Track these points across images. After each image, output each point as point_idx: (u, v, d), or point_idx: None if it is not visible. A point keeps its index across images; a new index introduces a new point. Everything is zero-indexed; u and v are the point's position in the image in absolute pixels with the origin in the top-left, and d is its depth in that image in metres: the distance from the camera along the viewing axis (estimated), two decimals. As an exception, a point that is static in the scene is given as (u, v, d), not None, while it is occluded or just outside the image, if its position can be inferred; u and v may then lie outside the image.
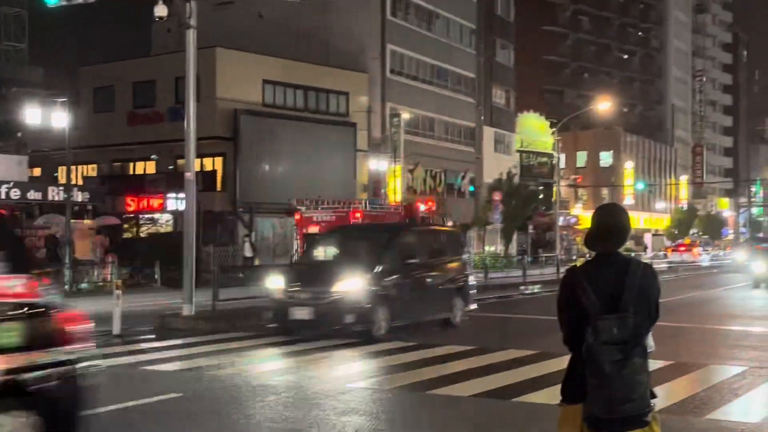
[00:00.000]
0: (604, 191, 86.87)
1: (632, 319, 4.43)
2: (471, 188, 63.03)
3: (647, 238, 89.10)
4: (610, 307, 4.47)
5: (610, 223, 4.70)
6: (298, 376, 11.90)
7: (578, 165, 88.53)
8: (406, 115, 54.15)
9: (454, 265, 18.53)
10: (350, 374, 12.24)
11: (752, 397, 10.53)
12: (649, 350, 4.54)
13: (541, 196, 68.52)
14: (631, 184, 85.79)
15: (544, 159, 74.16)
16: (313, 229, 30.90)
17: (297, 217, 31.54)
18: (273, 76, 47.78)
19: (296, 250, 31.55)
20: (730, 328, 18.72)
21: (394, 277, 16.39)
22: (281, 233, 47.52)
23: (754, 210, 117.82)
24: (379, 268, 16.20)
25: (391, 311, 16.06)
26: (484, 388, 10.90)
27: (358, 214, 30.81)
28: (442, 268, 18.15)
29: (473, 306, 19.25)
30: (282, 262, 44.85)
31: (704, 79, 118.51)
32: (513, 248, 62.12)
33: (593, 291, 4.52)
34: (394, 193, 50.50)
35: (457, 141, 61.72)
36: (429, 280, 17.53)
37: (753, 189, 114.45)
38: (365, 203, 32.79)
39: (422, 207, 35.32)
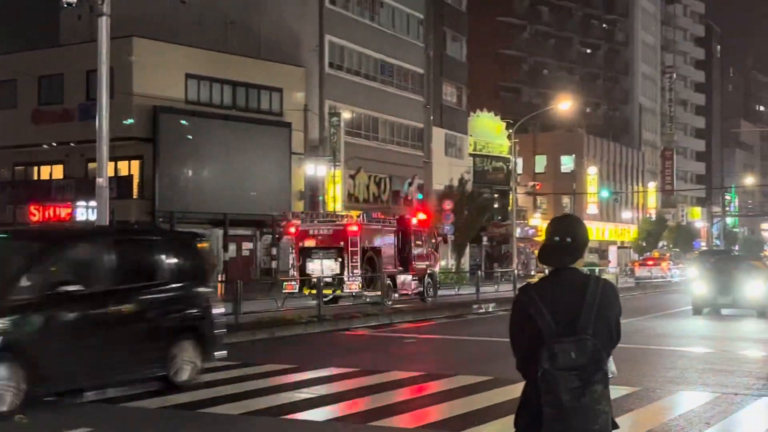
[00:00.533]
0: (566, 199, 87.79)
1: (591, 342, 4.45)
2: (419, 196, 63.20)
3: (612, 252, 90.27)
4: (568, 329, 4.48)
5: (566, 236, 4.72)
6: None
7: (537, 170, 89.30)
8: (346, 115, 54.10)
9: (178, 293, 13.74)
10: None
11: (727, 427, 10.65)
12: (610, 376, 4.56)
13: (496, 205, 69.05)
14: (594, 192, 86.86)
15: (500, 163, 74.70)
16: (309, 243, 32.83)
17: (293, 230, 33.29)
18: (197, 70, 47.45)
19: (292, 265, 33.04)
20: (695, 350, 19.00)
21: (37, 313, 11.49)
22: (207, 247, 46.99)
23: (729, 220, 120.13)
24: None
25: (29, 371, 11.14)
26: (431, 418, 10.91)
27: (354, 227, 32.36)
28: (145, 300, 13.14)
29: (220, 353, 14.51)
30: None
31: (674, 76, 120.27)
32: (465, 262, 62.39)
33: (549, 311, 4.54)
34: (334, 201, 50.44)
35: (403, 143, 61.87)
36: (118, 317, 12.59)
37: (727, 197, 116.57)
38: (363, 216, 33.61)
39: (413, 220, 36.23)
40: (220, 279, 41.26)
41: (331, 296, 31.50)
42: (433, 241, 37.63)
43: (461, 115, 71.36)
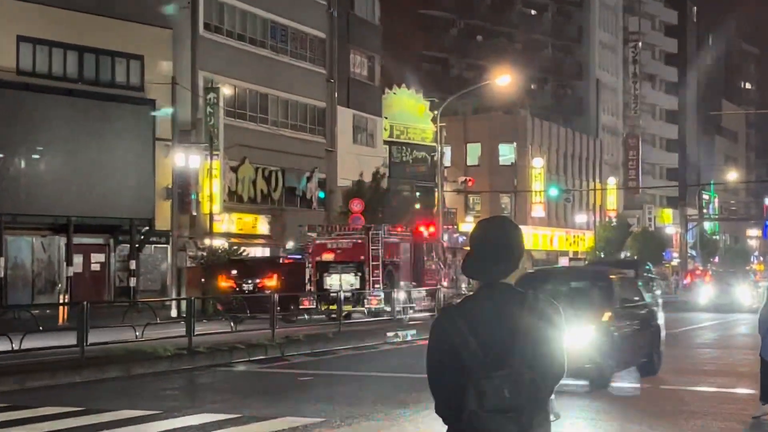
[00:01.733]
0: (505, 198, 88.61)
1: (529, 376, 4.51)
2: (321, 194, 63.15)
3: (563, 264, 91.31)
4: (500, 361, 4.53)
5: (494, 243, 4.79)
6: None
7: (469, 162, 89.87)
8: (227, 90, 53.75)
9: None
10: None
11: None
12: (552, 419, 4.58)
13: (418, 206, 69.23)
14: (540, 190, 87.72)
15: (423, 154, 75.02)
16: (327, 257, 39.67)
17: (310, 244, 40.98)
18: (33, 32, 46.78)
19: (309, 280, 39.40)
20: (670, 388, 19.38)
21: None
22: (46, 259, 46.43)
23: (707, 225, 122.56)
24: None
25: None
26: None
27: (376, 241, 39.39)
28: None
29: None
30: (47, 300, 43.85)
31: (640, 45, 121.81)
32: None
33: (475, 338, 4.59)
34: (211, 200, 50.09)
35: (300, 127, 61.77)
36: None
37: (705, 196, 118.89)
38: (384, 229, 40.24)
39: (425, 232, 45.29)
40: (61, 300, 40.76)
41: (347, 312, 36.97)
42: (443, 254, 45.25)
43: (374, 92, 71.49)
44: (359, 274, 38.97)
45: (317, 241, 39.61)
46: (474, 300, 4.79)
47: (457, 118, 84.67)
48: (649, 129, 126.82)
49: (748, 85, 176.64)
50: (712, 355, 28.27)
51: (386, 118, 72.53)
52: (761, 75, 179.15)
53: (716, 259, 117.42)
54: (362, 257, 39.00)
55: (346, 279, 38.99)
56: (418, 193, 72.97)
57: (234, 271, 43.30)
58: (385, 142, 72.31)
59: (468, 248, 4.90)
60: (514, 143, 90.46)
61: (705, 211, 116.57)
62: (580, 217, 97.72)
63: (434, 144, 66.93)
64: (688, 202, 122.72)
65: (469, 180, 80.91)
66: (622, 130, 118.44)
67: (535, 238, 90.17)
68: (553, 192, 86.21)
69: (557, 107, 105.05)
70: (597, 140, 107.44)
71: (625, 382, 19.41)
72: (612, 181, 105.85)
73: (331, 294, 37.39)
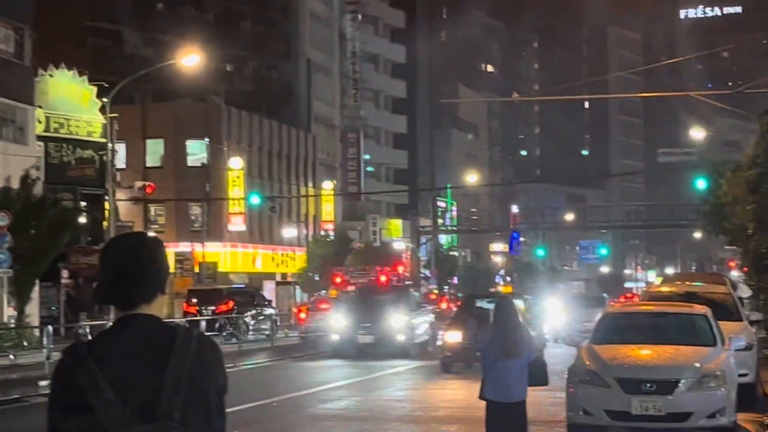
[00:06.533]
0: (196, 209, 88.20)
1: None
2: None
3: (269, 290, 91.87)
4: (143, 414, 4.55)
5: (125, 264, 4.82)
6: None
7: (150, 163, 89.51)
8: None
9: None
10: None
11: None
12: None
13: (83, 219, 68.39)
14: (240, 197, 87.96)
15: (89, 152, 74.06)
16: (351, 288, 60.90)
17: (338, 279, 65.69)
18: None
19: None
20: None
21: None
22: None
23: (443, 239, 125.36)
24: None
25: None
26: None
27: (383, 277, 63.28)
28: None
29: None
30: None
31: (360, 17, 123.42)
32: (33, 311, 61.37)
33: (111, 385, 4.58)
34: None
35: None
36: None
37: (441, 204, 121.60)
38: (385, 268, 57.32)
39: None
40: None
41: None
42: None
43: (24, 73, 70.18)
44: None
45: (344, 277, 52.72)
46: (110, 335, 4.77)
47: (133, 107, 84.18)
48: (372, 121, 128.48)
49: (490, 68, 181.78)
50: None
51: (40, 107, 71.27)
52: (506, 55, 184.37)
53: (455, 280, 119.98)
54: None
55: None
56: (83, 203, 71.94)
57: None
58: (40, 138, 70.95)
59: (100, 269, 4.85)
60: (206, 139, 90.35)
61: (441, 221, 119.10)
62: (289, 231, 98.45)
63: (104, 140, 66.20)
64: (421, 210, 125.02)
65: (149, 185, 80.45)
66: (339, 122, 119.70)
67: (234, 258, 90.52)
68: (255, 200, 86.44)
69: (260, 94, 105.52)
70: (309, 135, 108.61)
71: None
72: (328, 186, 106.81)
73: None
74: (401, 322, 48.54)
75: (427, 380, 37.94)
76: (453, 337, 39.34)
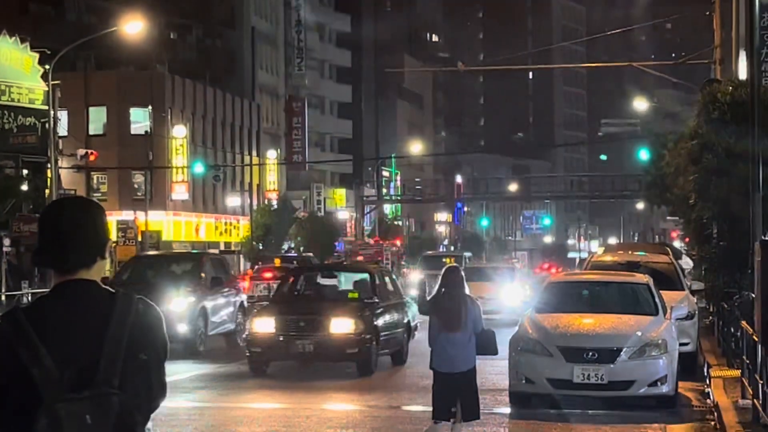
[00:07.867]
0: (139, 177, 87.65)
1: (119, 399, 4.52)
2: None
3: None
4: (81, 380, 4.51)
5: (64, 227, 4.78)
6: None
7: (93, 131, 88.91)
8: None
9: None
10: None
11: None
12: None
13: (25, 187, 68.01)
14: (184, 165, 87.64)
15: (31, 119, 73.48)
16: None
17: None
18: None
19: None
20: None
21: None
22: None
23: (387, 208, 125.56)
24: None
25: None
26: None
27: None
28: None
29: None
30: None
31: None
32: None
33: (49, 351, 4.54)
34: None
35: None
36: None
37: (386, 174, 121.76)
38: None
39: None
40: None
41: None
42: None
43: (-35, 40, 69.73)
44: None
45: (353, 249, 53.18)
46: (48, 300, 4.73)
47: (75, 74, 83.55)
48: (316, 90, 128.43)
49: (435, 38, 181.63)
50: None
51: (-21, 74, 70.81)
52: (452, 24, 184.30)
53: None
54: None
55: None
56: (25, 171, 71.46)
57: None
58: (-24, 105, 70.58)
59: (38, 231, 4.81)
60: (149, 107, 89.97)
61: (385, 190, 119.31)
62: (233, 200, 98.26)
63: (45, 107, 65.80)
64: (365, 180, 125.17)
65: (92, 153, 79.97)
66: (284, 91, 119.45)
67: (177, 227, 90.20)
68: (199, 168, 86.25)
69: (204, 62, 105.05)
70: (253, 104, 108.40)
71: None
72: (272, 155, 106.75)
73: None
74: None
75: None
76: (263, 325, 27.30)
